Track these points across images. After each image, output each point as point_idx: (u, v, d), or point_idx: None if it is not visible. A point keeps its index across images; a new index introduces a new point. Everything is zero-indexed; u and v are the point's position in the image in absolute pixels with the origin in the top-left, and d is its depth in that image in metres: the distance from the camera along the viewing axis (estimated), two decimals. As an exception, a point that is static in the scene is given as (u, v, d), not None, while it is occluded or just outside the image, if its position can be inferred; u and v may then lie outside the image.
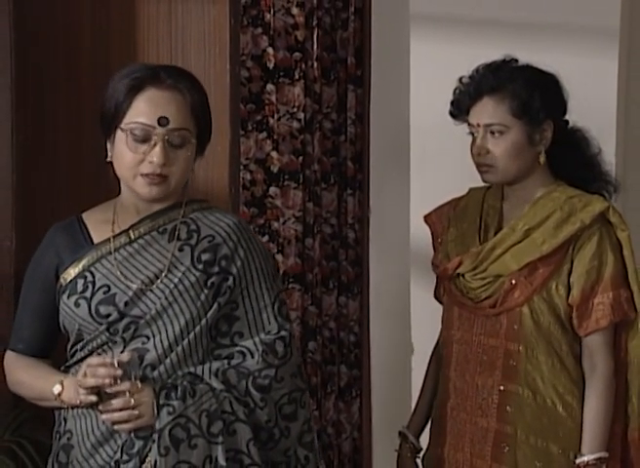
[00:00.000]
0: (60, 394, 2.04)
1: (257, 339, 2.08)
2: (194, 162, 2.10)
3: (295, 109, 3.14)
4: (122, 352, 2.01)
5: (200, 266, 2.07)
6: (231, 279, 2.08)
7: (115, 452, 2.02)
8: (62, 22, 3.15)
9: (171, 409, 1.97)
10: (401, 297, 3.25)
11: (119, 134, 2.04)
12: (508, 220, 2.39)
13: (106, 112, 2.06)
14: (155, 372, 2.02)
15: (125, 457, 1.99)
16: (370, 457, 3.36)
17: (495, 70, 2.35)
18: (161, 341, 2.04)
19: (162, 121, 2.01)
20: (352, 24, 3.24)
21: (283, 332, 2.10)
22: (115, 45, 3.12)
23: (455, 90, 2.41)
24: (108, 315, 2.04)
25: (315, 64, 3.16)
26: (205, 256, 2.08)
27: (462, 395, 2.38)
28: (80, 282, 2.07)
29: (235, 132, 3.07)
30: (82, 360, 2.06)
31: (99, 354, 2.05)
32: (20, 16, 3.08)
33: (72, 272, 2.08)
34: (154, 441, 1.96)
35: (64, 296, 2.08)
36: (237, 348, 2.07)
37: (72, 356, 2.12)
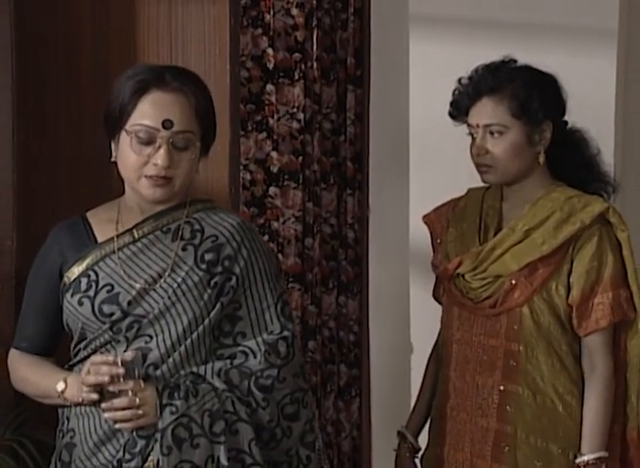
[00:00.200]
0: (63, 391, 2.05)
1: (259, 339, 2.08)
2: (198, 163, 2.10)
3: (294, 109, 3.14)
4: (125, 351, 2.02)
5: (203, 266, 2.08)
6: (234, 279, 2.09)
7: (117, 451, 2.03)
8: (62, 22, 3.15)
9: (173, 409, 1.97)
10: (400, 297, 3.26)
11: (123, 135, 2.04)
12: (508, 221, 2.39)
13: (111, 113, 2.06)
14: (158, 372, 2.03)
15: (127, 456, 2.00)
16: (369, 456, 3.36)
17: (494, 71, 2.35)
18: (164, 341, 2.04)
19: (166, 124, 2.01)
20: (352, 25, 3.24)
21: (286, 333, 2.10)
22: (115, 45, 3.12)
23: (454, 90, 2.41)
24: (112, 314, 2.05)
25: (315, 65, 3.17)
26: (208, 256, 2.08)
27: (462, 395, 2.38)
28: (84, 281, 2.08)
29: (235, 132, 3.07)
30: (85, 358, 2.07)
31: (102, 353, 2.06)
32: (21, 16, 3.08)
33: (76, 271, 2.09)
34: (157, 440, 1.96)
35: (68, 295, 2.09)
36: (240, 348, 2.08)
37: (76, 355, 2.13)
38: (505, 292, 2.32)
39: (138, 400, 1.96)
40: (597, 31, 2.97)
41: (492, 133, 2.32)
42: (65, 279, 2.10)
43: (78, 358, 2.11)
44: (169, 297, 2.06)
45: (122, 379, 1.96)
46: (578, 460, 2.29)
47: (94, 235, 2.13)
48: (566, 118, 2.39)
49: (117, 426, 2.00)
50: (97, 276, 2.07)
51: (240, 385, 2.04)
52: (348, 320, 3.30)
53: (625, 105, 3.09)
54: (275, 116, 3.13)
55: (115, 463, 2.03)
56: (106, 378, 1.96)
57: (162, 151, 2.01)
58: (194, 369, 2.04)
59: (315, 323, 3.20)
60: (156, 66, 2.12)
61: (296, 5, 3.12)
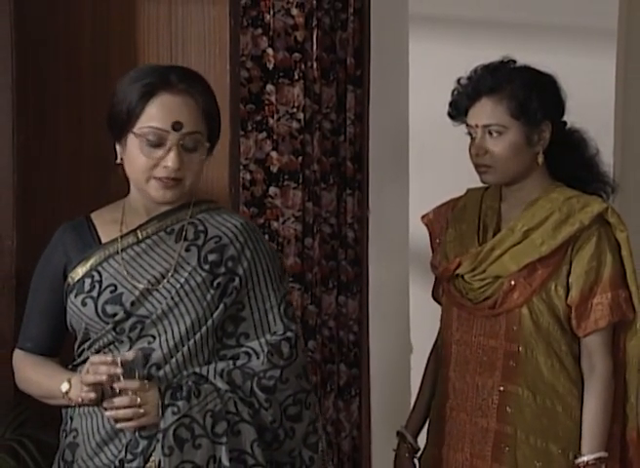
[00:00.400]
0: (67, 392, 2.05)
1: (262, 340, 2.08)
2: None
3: (294, 109, 3.14)
4: (129, 351, 2.02)
5: (206, 267, 2.08)
6: (237, 280, 2.09)
7: (120, 452, 2.03)
8: (62, 22, 3.15)
9: (175, 409, 1.97)
10: (400, 297, 3.26)
11: (132, 138, 2.04)
12: (507, 221, 2.39)
13: (117, 116, 2.05)
14: (161, 372, 2.03)
15: (129, 456, 2.00)
16: (369, 456, 3.36)
17: (493, 71, 2.36)
18: (167, 341, 2.04)
19: (176, 126, 2.02)
20: (351, 25, 3.24)
21: (289, 333, 2.10)
22: (115, 45, 3.12)
23: (453, 91, 2.41)
24: (115, 314, 2.05)
25: (315, 65, 3.17)
26: (212, 257, 2.09)
27: (462, 395, 2.38)
28: (87, 281, 2.08)
29: (235, 132, 3.07)
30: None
31: (105, 353, 2.06)
32: (21, 16, 3.08)
33: (80, 271, 2.10)
34: (158, 440, 1.97)
35: (72, 296, 2.09)
36: (243, 349, 2.08)
37: (79, 355, 2.13)
38: (505, 293, 2.32)
39: (139, 399, 1.96)
40: (597, 31, 2.97)
41: (491, 133, 2.32)
42: (69, 279, 2.11)
43: (82, 358, 2.11)
44: (172, 298, 2.06)
45: (121, 379, 1.96)
46: (577, 460, 2.29)
47: (98, 236, 2.13)
48: (565, 118, 2.40)
49: (119, 426, 2.00)
50: (100, 276, 2.08)
51: (243, 386, 2.04)
52: (348, 320, 3.31)
53: (625, 105, 3.10)
54: (275, 116, 3.13)
55: (117, 463, 2.03)
56: (104, 378, 1.96)
57: (172, 153, 2.01)
58: (197, 369, 2.04)
59: (315, 322, 3.20)
60: (160, 68, 2.12)
61: (296, 5, 3.12)
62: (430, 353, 2.56)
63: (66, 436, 2.14)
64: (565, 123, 2.39)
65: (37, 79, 3.15)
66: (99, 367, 1.98)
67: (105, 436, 2.06)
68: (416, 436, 2.53)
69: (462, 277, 2.38)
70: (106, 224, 2.14)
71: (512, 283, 2.32)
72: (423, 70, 3.13)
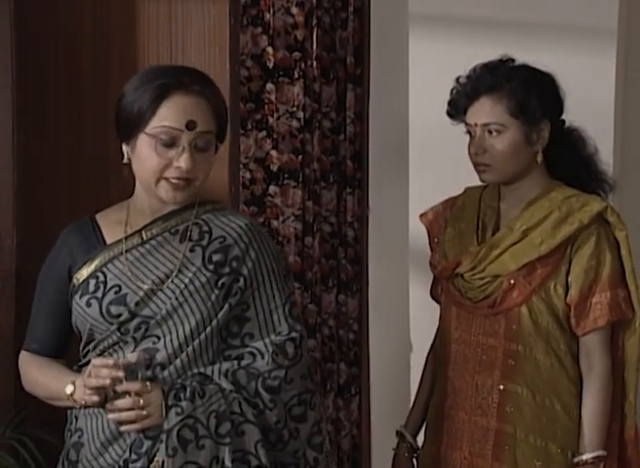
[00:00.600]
0: (72, 394, 2.05)
1: (267, 340, 2.08)
2: None
3: (294, 108, 3.14)
4: (133, 352, 2.02)
5: (211, 267, 2.07)
6: (242, 280, 2.08)
7: (124, 452, 2.03)
8: (62, 22, 3.15)
9: (179, 410, 1.97)
10: (400, 296, 3.26)
11: (143, 138, 2.03)
12: (506, 220, 2.39)
13: (127, 117, 2.05)
14: (165, 372, 2.03)
15: (134, 457, 2.00)
16: (369, 455, 3.36)
17: (492, 70, 2.35)
18: (171, 341, 2.04)
19: (190, 125, 2.01)
20: (351, 24, 3.24)
21: (293, 334, 2.10)
22: (115, 45, 3.12)
23: (452, 90, 2.41)
24: (119, 315, 2.05)
25: (315, 64, 3.17)
26: (216, 257, 2.08)
27: (461, 394, 2.38)
28: (92, 282, 2.08)
29: (235, 131, 3.07)
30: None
31: (110, 354, 2.07)
32: (21, 16, 3.09)
33: (85, 272, 2.09)
34: (162, 441, 1.97)
35: (77, 297, 2.09)
36: (247, 349, 2.07)
37: (84, 356, 2.13)
38: (504, 292, 2.32)
39: (141, 401, 1.96)
40: (596, 30, 2.97)
41: (490, 132, 2.32)
42: (74, 280, 2.11)
43: (87, 359, 2.11)
44: (176, 298, 2.06)
45: (124, 381, 1.96)
46: (576, 459, 2.29)
47: (102, 237, 2.13)
48: (565, 117, 2.40)
49: (122, 428, 2.00)
50: (105, 277, 2.08)
51: (247, 386, 2.03)
52: (348, 318, 3.31)
53: (625, 104, 3.09)
54: (275, 115, 3.13)
55: (122, 463, 2.03)
56: (107, 381, 1.96)
57: (186, 154, 2.01)
58: (201, 369, 2.04)
59: (315, 321, 3.20)
60: (171, 69, 2.13)
61: (295, 4, 3.12)
62: (429, 352, 2.56)
63: (71, 435, 2.13)
64: (563, 122, 2.39)
65: (37, 79, 3.16)
66: (100, 370, 1.97)
67: (110, 436, 2.05)
68: (415, 435, 2.53)
69: (462, 276, 2.38)
70: (111, 225, 2.14)
71: (511, 282, 2.32)
72: (423, 69, 3.13)
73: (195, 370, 2.04)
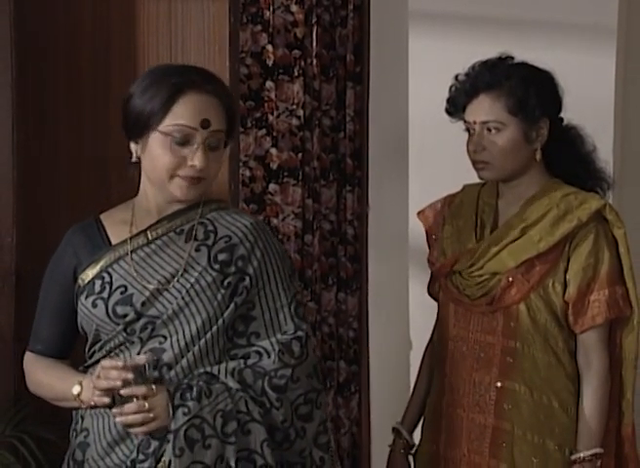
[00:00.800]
0: (79, 394, 2.05)
1: (273, 339, 2.07)
2: None
3: (294, 106, 3.14)
4: (139, 353, 2.02)
5: (217, 266, 2.07)
6: (248, 279, 2.08)
7: (132, 452, 2.03)
8: (62, 22, 3.16)
9: (186, 410, 1.97)
10: (400, 293, 3.26)
11: (156, 136, 2.03)
12: (504, 217, 2.39)
13: (138, 115, 2.04)
14: (172, 372, 2.02)
15: (141, 457, 2.00)
16: (368, 453, 3.37)
17: (491, 67, 2.35)
18: (178, 341, 2.04)
19: (204, 123, 2.02)
20: (351, 22, 3.25)
21: (299, 333, 2.09)
22: (115, 44, 3.13)
23: (450, 87, 2.41)
24: (125, 315, 2.05)
25: (314, 62, 3.17)
26: (221, 257, 2.08)
27: (459, 392, 2.38)
28: (98, 283, 2.08)
29: (235, 129, 3.08)
30: (100, 360, 2.06)
31: (116, 354, 2.06)
32: (20, 16, 3.09)
33: (90, 273, 2.09)
34: (169, 441, 1.96)
35: (82, 297, 2.09)
36: (253, 348, 2.07)
37: (91, 356, 2.13)
38: (502, 290, 2.33)
39: (147, 404, 1.95)
40: (596, 28, 2.96)
41: (489, 129, 2.32)
42: (80, 281, 2.10)
43: (93, 360, 2.11)
44: (182, 298, 2.05)
45: (132, 383, 1.95)
46: (573, 456, 2.29)
47: (108, 237, 2.13)
48: (565, 115, 2.39)
49: (129, 431, 2.00)
50: (110, 278, 2.07)
51: (254, 385, 2.03)
52: (348, 316, 3.31)
53: (625, 102, 3.09)
54: (275, 113, 3.14)
55: (129, 463, 2.03)
56: (119, 383, 1.95)
57: (200, 153, 2.02)
58: (208, 368, 2.03)
59: (315, 319, 3.21)
60: (183, 68, 2.13)
61: (295, 2, 3.13)
62: (425, 349, 2.57)
63: (77, 435, 2.13)
64: (562, 119, 2.39)
65: (37, 78, 3.16)
66: (110, 371, 1.97)
67: (117, 436, 2.05)
68: (411, 432, 2.53)
69: (460, 273, 2.38)
70: (116, 225, 2.14)
71: (510, 279, 2.32)
72: (423, 67, 3.13)
73: (202, 370, 2.04)
